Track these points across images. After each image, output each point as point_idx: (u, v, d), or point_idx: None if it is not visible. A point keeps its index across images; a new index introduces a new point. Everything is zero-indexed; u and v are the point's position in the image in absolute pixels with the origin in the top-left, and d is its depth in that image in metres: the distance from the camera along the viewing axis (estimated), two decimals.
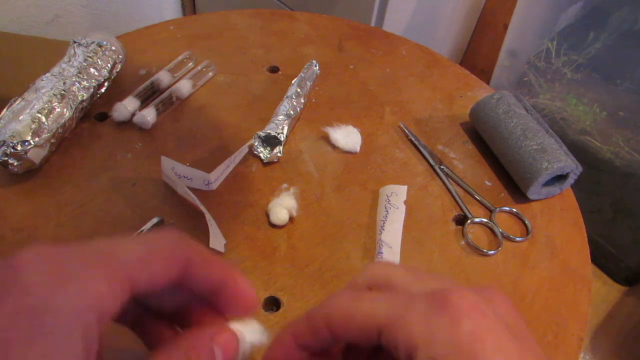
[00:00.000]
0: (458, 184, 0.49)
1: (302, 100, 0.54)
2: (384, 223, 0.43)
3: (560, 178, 0.47)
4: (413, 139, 0.52)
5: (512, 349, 0.19)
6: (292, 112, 0.51)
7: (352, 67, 0.62)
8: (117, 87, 0.53)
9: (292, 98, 0.52)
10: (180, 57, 0.57)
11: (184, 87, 0.54)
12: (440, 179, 0.49)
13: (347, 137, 0.51)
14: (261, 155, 0.48)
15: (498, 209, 0.46)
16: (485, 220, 0.45)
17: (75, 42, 0.50)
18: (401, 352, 0.20)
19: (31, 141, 0.42)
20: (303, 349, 0.24)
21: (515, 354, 0.18)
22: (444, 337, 0.19)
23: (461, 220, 0.46)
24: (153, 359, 0.20)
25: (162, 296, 0.24)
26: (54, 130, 0.44)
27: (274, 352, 0.24)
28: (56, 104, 0.45)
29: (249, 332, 0.24)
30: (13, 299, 0.16)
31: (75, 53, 0.50)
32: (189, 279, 0.22)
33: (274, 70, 0.60)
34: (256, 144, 0.49)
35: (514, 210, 0.47)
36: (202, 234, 0.41)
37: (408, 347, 0.19)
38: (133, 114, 0.50)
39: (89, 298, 0.17)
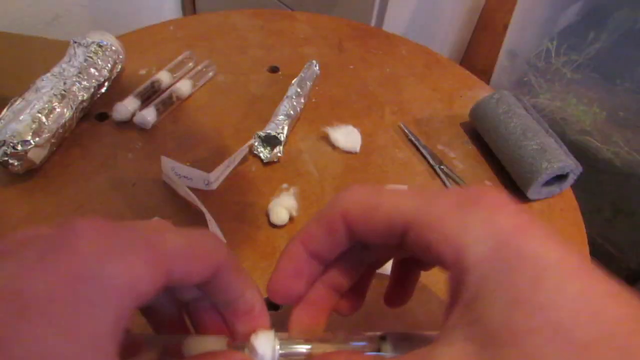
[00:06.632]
0: (458, 184, 0.49)
1: (302, 100, 0.54)
2: None
3: (560, 178, 0.47)
4: (413, 139, 0.52)
5: (556, 244, 0.17)
6: (292, 112, 0.51)
7: (352, 67, 0.62)
8: (117, 87, 0.53)
9: (292, 98, 0.52)
10: (180, 57, 0.57)
11: (184, 87, 0.54)
12: (440, 179, 0.49)
13: (347, 137, 0.51)
14: (261, 155, 0.48)
15: None
16: None
17: (75, 42, 0.50)
18: (433, 250, 0.18)
19: (31, 141, 0.42)
20: (314, 257, 0.23)
21: (561, 248, 0.17)
22: (483, 232, 0.17)
23: None
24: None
25: (183, 290, 0.24)
26: (54, 130, 0.44)
27: (283, 265, 0.23)
28: (56, 104, 0.45)
29: (262, 345, 0.23)
30: (64, 262, 0.16)
31: (75, 53, 0.50)
32: (214, 282, 0.22)
33: (274, 70, 0.60)
34: (256, 144, 0.49)
35: None
36: None
37: (442, 243, 0.18)
38: (133, 114, 0.50)
39: (131, 278, 0.17)
